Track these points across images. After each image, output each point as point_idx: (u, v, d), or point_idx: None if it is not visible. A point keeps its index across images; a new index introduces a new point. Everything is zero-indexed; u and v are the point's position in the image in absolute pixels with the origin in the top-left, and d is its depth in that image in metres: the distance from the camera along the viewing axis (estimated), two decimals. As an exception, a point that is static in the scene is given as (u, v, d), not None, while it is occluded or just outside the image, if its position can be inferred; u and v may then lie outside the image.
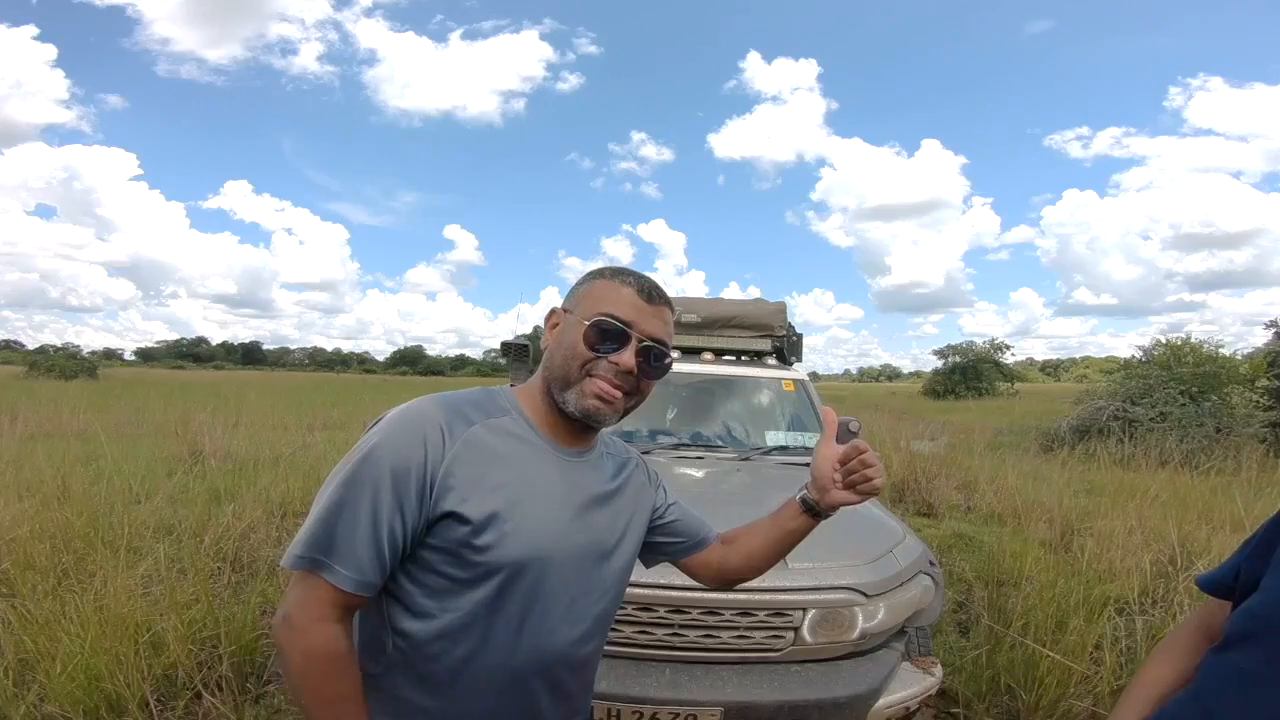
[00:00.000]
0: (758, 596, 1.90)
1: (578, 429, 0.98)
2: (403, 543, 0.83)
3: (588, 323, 0.92)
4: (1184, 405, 10.47)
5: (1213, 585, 0.91)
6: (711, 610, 1.89)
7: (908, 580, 2.07)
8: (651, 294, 0.97)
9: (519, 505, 0.87)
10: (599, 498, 0.99)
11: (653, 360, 0.95)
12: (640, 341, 0.94)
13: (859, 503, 1.05)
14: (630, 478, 1.11)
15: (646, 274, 0.99)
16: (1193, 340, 12.17)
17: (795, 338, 4.09)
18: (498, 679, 0.88)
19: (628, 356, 0.93)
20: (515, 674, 0.89)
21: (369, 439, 0.86)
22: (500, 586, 0.86)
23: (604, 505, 1.00)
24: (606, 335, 0.92)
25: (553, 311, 1.01)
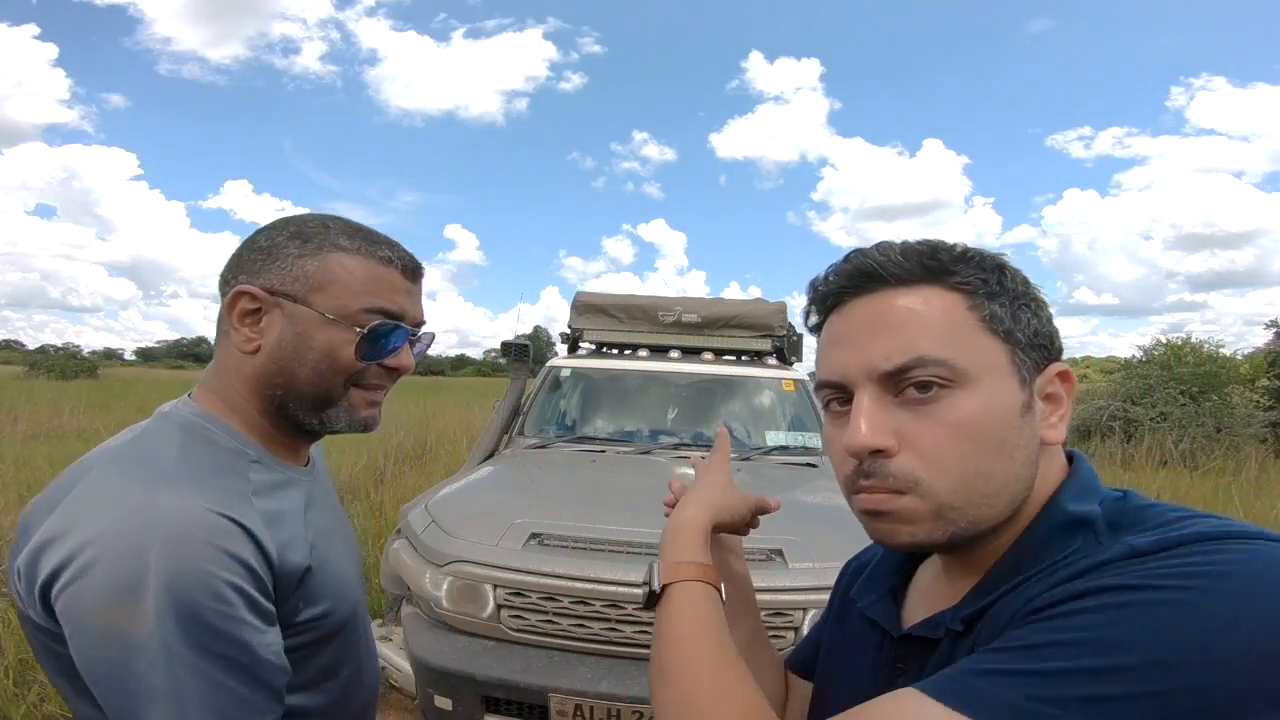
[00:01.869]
0: (758, 596, 1.89)
1: (306, 440, 0.78)
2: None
3: (360, 330, 0.70)
4: (1184, 405, 10.46)
5: (799, 666, 0.77)
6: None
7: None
8: (415, 270, 0.76)
9: (324, 557, 0.74)
10: (337, 506, 0.87)
11: (418, 347, 0.79)
12: (413, 334, 0.76)
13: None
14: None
15: (384, 233, 0.76)
16: (1193, 340, 12.15)
17: (795, 338, 4.09)
18: None
19: (407, 358, 0.76)
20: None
21: None
22: (338, 643, 0.76)
23: (340, 510, 0.88)
24: (380, 336, 0.72)
25: (245, 295, 0.70)
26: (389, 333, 0.72)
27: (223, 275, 0.73)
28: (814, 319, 0.58)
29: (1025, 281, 0.53)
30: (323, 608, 0.71)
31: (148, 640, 0.57)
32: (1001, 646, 0.42)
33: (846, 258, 0.55)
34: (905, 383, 0.49)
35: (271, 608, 0.64)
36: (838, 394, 0.54)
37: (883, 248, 0.53)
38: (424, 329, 0.78)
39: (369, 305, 0.71)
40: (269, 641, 0.63)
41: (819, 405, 0.73)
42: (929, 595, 0.59)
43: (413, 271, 0.76)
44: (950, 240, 0.54)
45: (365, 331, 0.70)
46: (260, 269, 0.70)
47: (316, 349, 0.70)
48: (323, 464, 0.86)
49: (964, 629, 0.50)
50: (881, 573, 0.65)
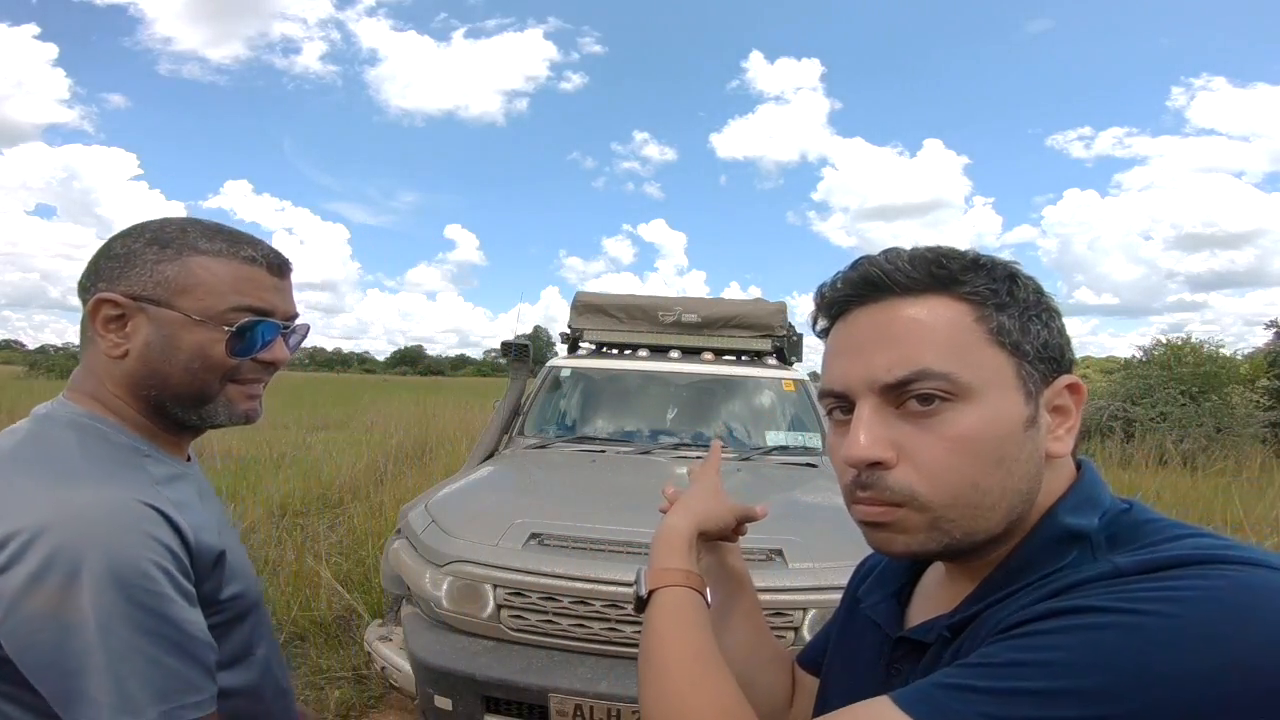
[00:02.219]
0: (758, 596, 1.90)
1: (188, 436, 0.80)
2: None
3: (229, 328, 0.72)
4: (1184, 405, 10.47)
5: (809, 663, 0.77)
6: (712, 610, 1.89)
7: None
8: (281, 266, 0.78)
9: (229, 543, 0.77)
10: (217, 499, 0.88)
11: (292, 340, 0.81)
12: (285, 328, 0.78)
13: None
14: None
15: (245, 232, 0.78)
16: (1193, 340, 12.17)
17: (795, 338, 4.09)
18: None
19: (280, 351, 0.78)
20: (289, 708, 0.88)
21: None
22: (252, 621, 0.80)
23: (219, 503, 0.90)
24: (249, 332, 0.74)
25: (107, 302, 0.71)
26: (257, 328, 0.74)
27: (81, 283, 0.74)
28: (821, 325, 0.58)
29: (1038, 291, 0.52)
30: (236, 588, 0.75)
31: (85, 621, 0.59)
32: (971, 662, 0.42)
33: (854, 265, 0.54)
34: (907, 395, 0.49)
35: (193, 589, 0.67)
36: (840, 403, 0.54)
37: (890, 255, 0.52)
38: (297, 322, 0.81)
39: (235, 304, 0.73)
40: (195, 620, 0.66)
41: (821, 410, 0.74)
42: (931, 599, 0.59)
43: (279, 268, 0.78)
44: (961, 248, 0.53)
45: (234, 329, 0.73)
46: (119, 276, 0.72)
47: (186, 350, 0.72)
48: (196, 459, 0.88)
49: (951, 635, 0.50)
50: (890, 574, 0.66)
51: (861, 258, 0.54)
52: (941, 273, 0.50)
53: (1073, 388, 0.51)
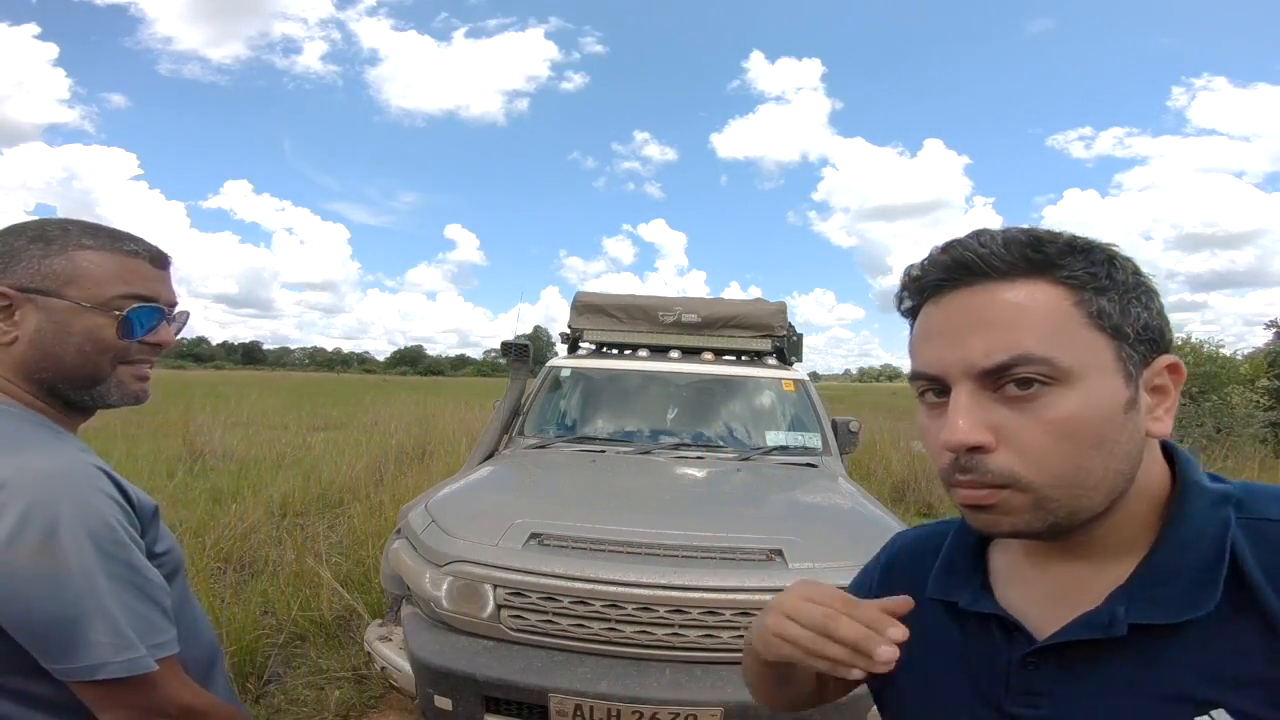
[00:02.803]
0: (758, 597, 1.90)
1: (79, 418, 0.86)
2: None
3: (118, 313, 0.79)
4: (1184, 405, 10.47)
5: None
6: (712, 610, 1.89)
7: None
8: (161, 259, 0.86)
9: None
10: None
11: (174, 325, 0.88)
12: (169, 314, 0.86)
13: None
14: None
15: (124, 230, 0.86)
16: (1193, 340, 12.16)
17: (795, 338, 4.09)
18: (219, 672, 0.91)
19: (166, 334, 0.85)
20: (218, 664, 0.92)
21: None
22: (178, 583, 0.85)
23: None
24: (138, 318, 0.81)
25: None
26: (145, 313, 0.82)
27: None
28: (908, 304, 0.57)
29: (1136, 272, 0.52)
30: (167, 545, 0.83)
31: (71, 571, 0.66)
32: None
33: (945, 248, 0.53)
34: (1006, 379, 0.48)
35: (141, 541, 0.75)
36: (932, 385, 0.53)
37: (984, 239, 0.51)
38: (178, 309, 0.89)
39: (122, 292, 0.80)
40: (149, 566, 0.74)
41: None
42: (1029, 584, 0.56)
43: (158, 260, 0.86)
44: (1056, 230, 0.52)
45: (123, 314, 0.80)
46: (4, 271, 0.78)
47: (78, 334, 0.78)
48: None
49: (1130, 631, 0.48)
50: (962, 563, 0.61)
51: (952, 240, 0.53)
52: (1038, 256, 0.50)
53: (1172, 368, 0.52)
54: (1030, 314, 0.49)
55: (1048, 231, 0.52)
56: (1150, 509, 0.52)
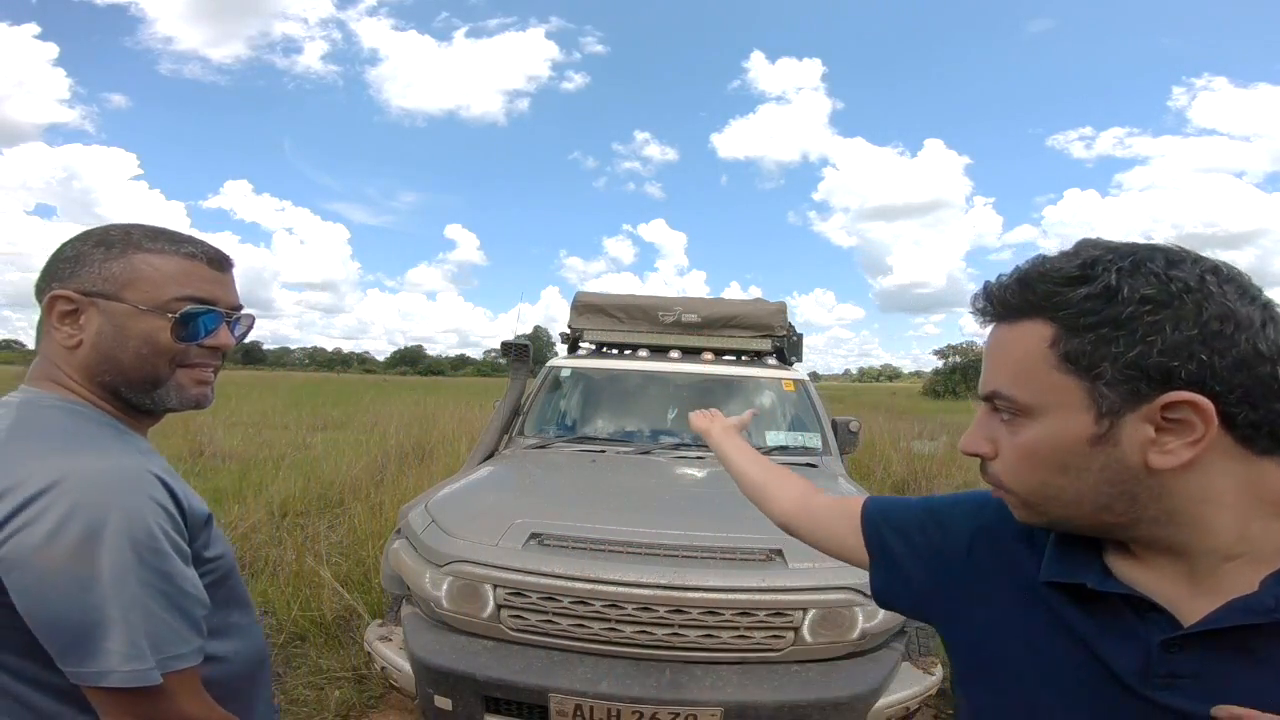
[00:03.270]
0: (758, 597, 1.90)
1: (146, 421, 0.87)
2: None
3: (173, 315, 0.79)
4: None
5: (889, 598, 0.79)
6: (711, 610, 1.89)
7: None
8: (221, 261, 0.86)
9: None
10: None
11: (238, 328, 0.88)
12: (229, 317, 0.86)
13: None
14: None
15: (187, 233, 0.85)
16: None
17: (796, 338, 4.09)
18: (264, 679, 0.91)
19: (225, 337, 0.85)
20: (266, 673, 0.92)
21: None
22: (231, 584, 0.86)
23: None
24: (193, 319, 0.81)
25: (61, 298, 0.78)
26: (200, 315, 0.82)
27: (37, 285, 0.82)
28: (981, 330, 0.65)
29: (1148, 301, 0.50)
30: (219, 550, 0.83)
31: (100, 575, 0.65)
32: None
33: (983, 287, 0.61)
34: (994, 405, 0.59)
35: (188, 549, 0.74)
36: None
37: (1002, 280, 0.58)
38: (242, 312, 0.88)
39: (178, 294, 0.80)
40: (191, 577, 0.73)
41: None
42: (1145, 571, 0.57)
43: (218, 263, 0.85)
44: (1082, 256, 0.53)
45: (177, 316, 0.80)
46: (70, 275, 0.79)
47: (135, 337, 0.79)
48: None
49: None
50: (1079, 545, 0.60)
51: (993, 280, 0.60)
52: (1032, 297, 0.55)
53: (1188, 404, 0.49)
54: (1007, 356, 0.57)
55: (1058, 268, 0.54)
56: (1250, 516, 0.52)
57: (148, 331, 0.79)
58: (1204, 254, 0.54)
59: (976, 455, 0.61)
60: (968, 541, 0.70)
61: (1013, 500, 0.60)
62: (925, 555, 0.73)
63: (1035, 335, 0.55)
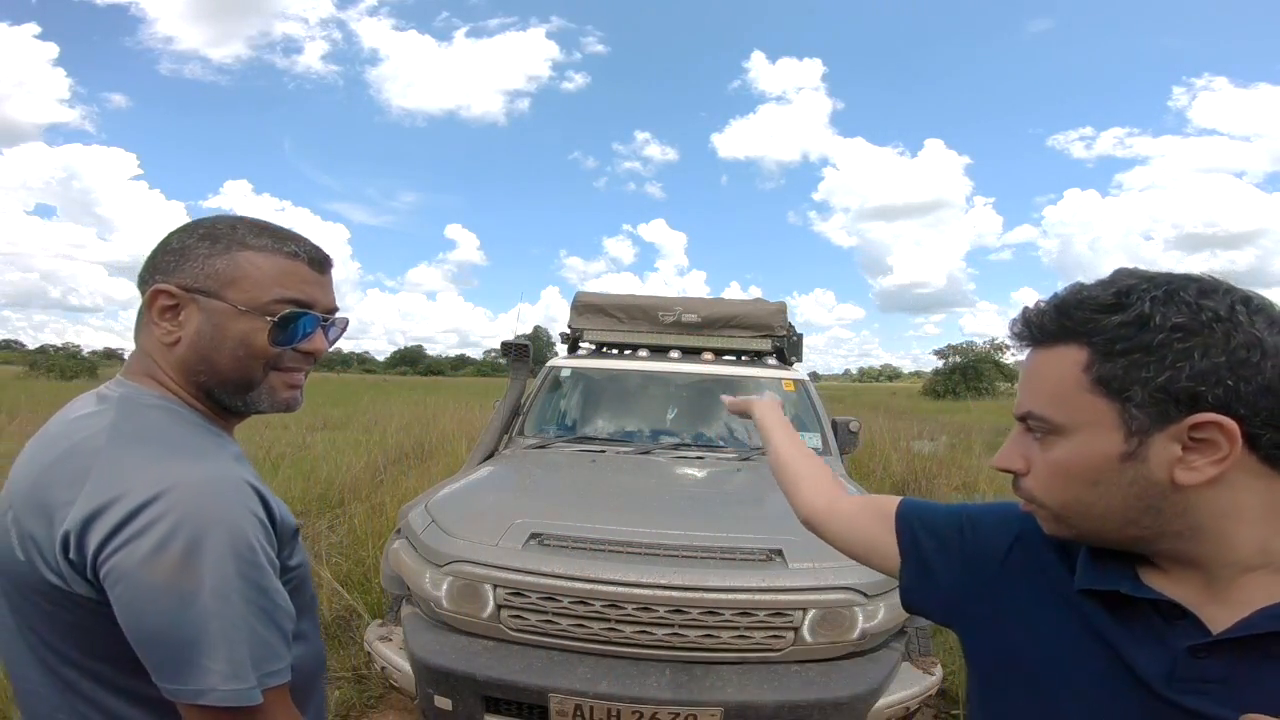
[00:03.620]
0: (758, 597, 1.90)
1: (235, 421, 0.85)
2: None
3: (271, 319, 0.77)
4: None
5: (919, 604, 0.79)
6: (711, 610, 1.89)
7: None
8: (322, 262, 0.83)
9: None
10: None
11: (331, 332, 0.85)
12: (325, 320, 0.83)
13: None
14: None
15: (291, 229, 0.82)
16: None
17: (796, 338, 4.09)
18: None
19: (320, 342, 0.82)
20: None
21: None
22: (305, 592, 0.84)
23: None
24: (290, 323, 0.78)
25: (163, 293, 0.76)
26: (298, 319, 0.79)
27: (141, 276, 0.79)
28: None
29: (1179, 329, 0.52)
30: (299, 559, 0.80)
31: (202, 591, 0.63)
32: None
33: (1020, 312, 0.63)
34: (1028, 424, 0.62)
35: (277, 561, 0.72)
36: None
37: (1040, 306, 0.61)
38: (338, 315, 0.85)
39: (278, 296, 0.77)
40: (281, 590, 0.71)
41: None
42: (1170, 581, 0.59)
43: (320, 263, 0.82)
44: (1118, 285, 0.56)
45: (275, 320, 0.77)
46: (174, 269, 0.76)
47: (232, 338, 0.76)
48: None
49: None
50: (1110, 553, 0.62)
51: (1032, 305, 0.63)
52: (1068, 323, 0.58)
53: (1215, 425, 0.52)
54: (1042, 379, 0.60)
55: (1093, 295, 0.57)
56: (1272, 531, 0.55)
57: (245, 333, 0.76)
58: (1238, 287, 0.56)
59: (1010, 471, 0.63)
60: (1005, 549, 0.71)
61: (1044, 514, 0.62)
62: (958, 559, 0.74)
63: (1070, 359, 0.57)
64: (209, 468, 0.70)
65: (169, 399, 0.77)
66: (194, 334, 0.76)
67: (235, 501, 0.68)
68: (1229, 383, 0.51)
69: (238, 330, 0.76)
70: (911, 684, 1.97)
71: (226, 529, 0.66)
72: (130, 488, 0.65)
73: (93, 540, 0.63)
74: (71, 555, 0.65)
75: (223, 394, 0.79)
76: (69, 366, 30.28)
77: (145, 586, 0.63)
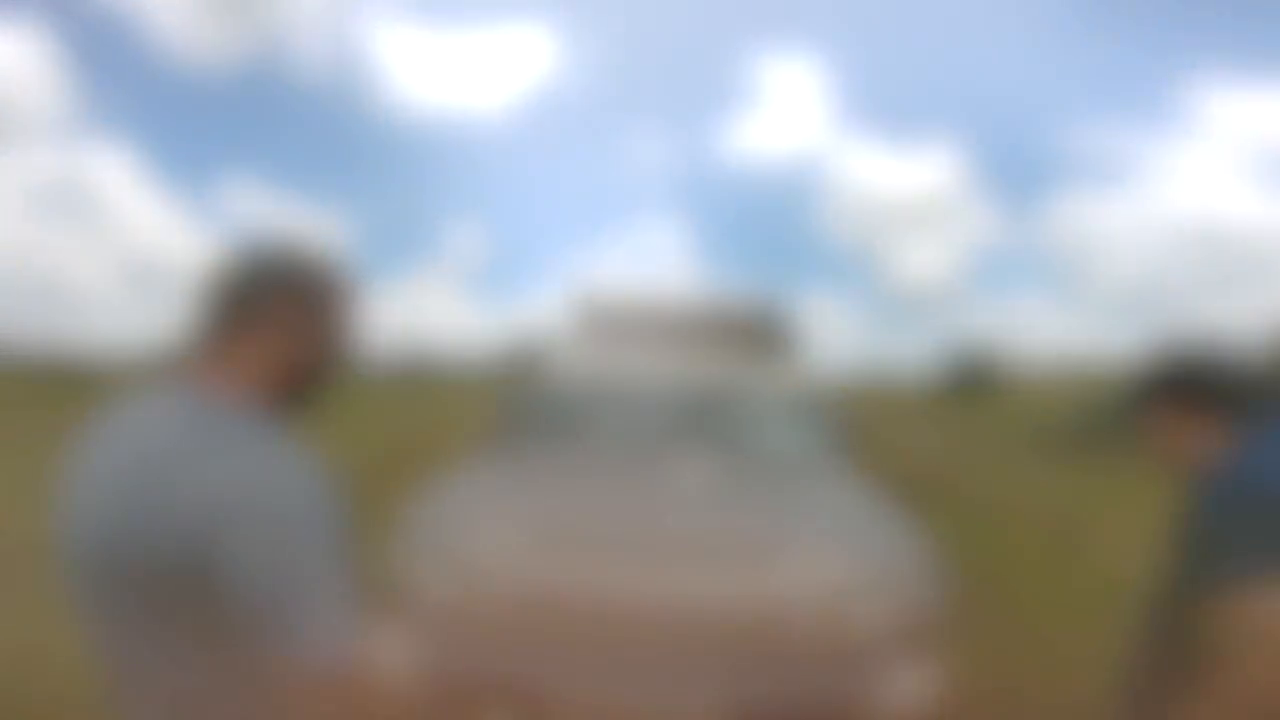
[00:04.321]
0: (758, 598, 1.90)
1: (297, 424, 0.94)
2: None
3: (330, 331, 0.87)
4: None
5: None
6: (711, 611, 1.89)
7: (908, 579, 2.07)
8: (365, 281, 0.94)
9: None
10: None
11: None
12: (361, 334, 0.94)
13: None
14: None
15: None
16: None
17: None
18: None
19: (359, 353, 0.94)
20: None
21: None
22: None
23: None
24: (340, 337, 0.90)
25: (251, 299, 0.84)
26: (347, 333, 0.87)
27: (228, 280, 0.83)
28: None
29: None
30: None
31: (303, 560, 0.70)
32: None
33: None
34: None
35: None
36: None
37: None
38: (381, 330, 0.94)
39: (336, 312, 0.85)
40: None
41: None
42: None
43: (359, 285, 0.90)
44: None
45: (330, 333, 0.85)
46: (264, 276, 0.83)
47: (313, 347, 0.83)
48: None
49: None
50: None
51: None
52: None
53: None
54: None
55: None
56: None
57: (323, 342, 0.84)
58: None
59: None
60: None
61: None
62: None
63: None
64: (288, 465, 0.76)
65: (241, 402, 0.83)
66: (275, 341, 0.83)
67: (309, 484, 0.75)
68: None
69: (318, 339, 0.85)
70: (911, 684, 1.97)
71: (315, 508, 0.73)
72: (221, 490, 0.71)
73: (217, 510, 0.70)
74: (173, 538, 0.71)
75: (293, 401, 0.86)
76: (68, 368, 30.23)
77: (247, 556, 0.69)
